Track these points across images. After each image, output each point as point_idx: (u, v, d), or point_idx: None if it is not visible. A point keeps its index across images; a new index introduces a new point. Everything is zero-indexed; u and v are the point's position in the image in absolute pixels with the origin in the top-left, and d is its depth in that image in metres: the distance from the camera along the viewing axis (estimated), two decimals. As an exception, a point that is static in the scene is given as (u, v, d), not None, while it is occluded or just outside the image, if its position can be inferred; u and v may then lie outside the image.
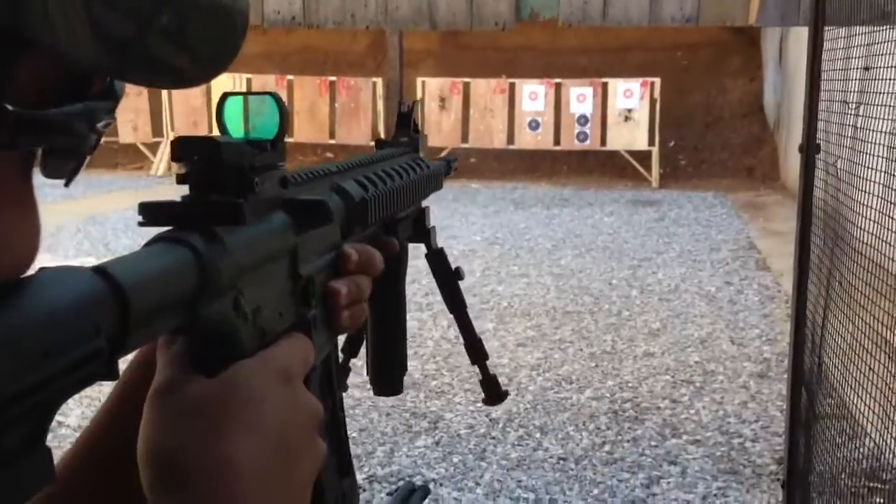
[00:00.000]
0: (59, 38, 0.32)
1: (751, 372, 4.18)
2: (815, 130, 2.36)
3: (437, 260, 0.93)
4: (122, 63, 0.35)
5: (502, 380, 3.69)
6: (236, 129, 0.54)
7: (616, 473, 3.17)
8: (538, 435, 3.51)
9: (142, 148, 11.44)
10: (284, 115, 0.53)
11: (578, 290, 5.67)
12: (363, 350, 0.86)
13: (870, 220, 2.06)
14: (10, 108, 0.32)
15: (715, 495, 3.02)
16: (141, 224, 0.46)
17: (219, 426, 0.44)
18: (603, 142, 10.59)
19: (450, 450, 3.38)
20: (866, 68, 2.09)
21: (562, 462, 3.27)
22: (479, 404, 3.84)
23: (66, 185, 0.39)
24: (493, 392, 0.96)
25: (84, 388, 0.37)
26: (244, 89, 10.93)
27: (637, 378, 4.12)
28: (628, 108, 10.45)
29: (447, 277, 0.94)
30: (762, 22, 9.21)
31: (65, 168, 0.38)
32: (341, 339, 0.88)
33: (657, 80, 10.41)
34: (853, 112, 2.17)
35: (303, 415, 0.48)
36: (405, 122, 0.87)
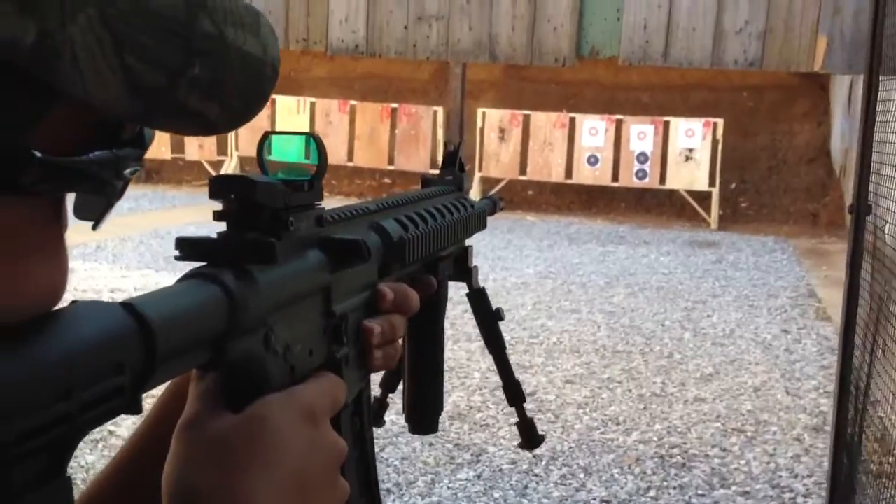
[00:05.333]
0: (89, 88, 0.32)
1: (805, 424, 4.05)
2: (867, 190, 2.27)
3: (478, 300, 0.92)
4: (152, 112, 0.35)
5: (548, 416, 3.63)
6: (276, 167, 0.55)
7: (660, 521, 3.10)
8: (582, 475, 3.45)
9: (206, 165, 11.71)
10: (323, 156, 0.53)
11: (630, 330, 5.59)
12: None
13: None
14: (37, 154, 0.33)
15: (762, 551, 2.92)
16: (177, 258, 0.47)
17: (239, 462, 0.44)
18: (662, 180, 10.49)
19: (491, 484, 3.35)
20: None
21: (605, 505, 3.21)
22: (524, 440, 3.80)
23: (94, 227, 0.40)
24: (530, 436, 0.94)
25: (106, 421, 0.37)
26: (308, 112, 11.15)
27: (686, 423, 4.03)
28: (689, 147, 10.33)
29: (487, 317, 0.93)
30: (828, 68, 9.06)
31: (93, 211, 0.39)
32: (379, 374, 0.87)
33: (720, 121, 10.29)
34: None
35: (326, 455, 0.48)
36: (451, 161, 0.86)
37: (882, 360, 2.22)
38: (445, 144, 0.92)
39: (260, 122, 11.26)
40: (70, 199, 0.39)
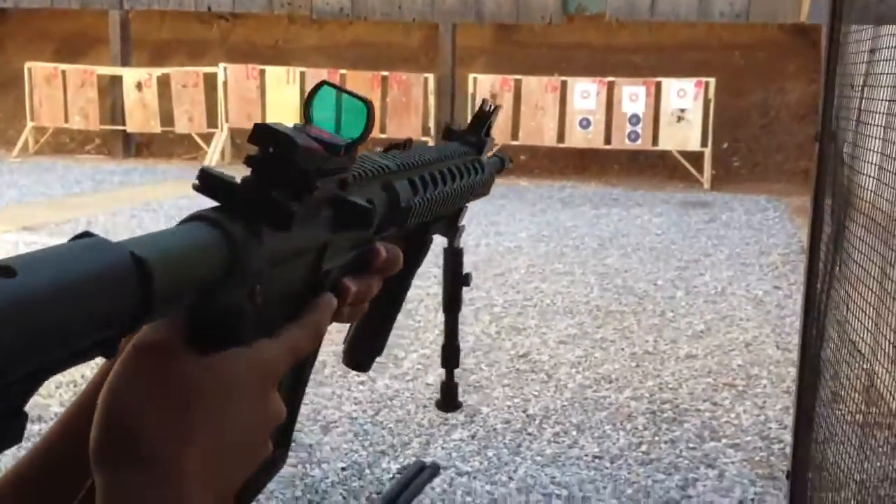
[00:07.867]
0: None
1: (795, 377, 4.10)
2: (830, 118, 2.38)
3: (453, 259, 0.93)
4: None
5: (541, 376, 3.67)
6: (321, 119, 0.53)
7: (651, 474, 3.15)
8: (574, 432, 3.50)
9: (196, 138, 11.65)
10: (370, 124, 0.53)
11: (623, 290, 5.63)
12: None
13: (866, 201, 2.10)
14: None
15: (752, 500, 2.98)
16: (195, 188, 0.45)
17: (188, 404, 0.44)
18: (654, 142, 10.47)
19: (485, 444, 3.39)
20: (872, 51, 2.09)
21: (597, 461, 3.26)
22: (517, 399, 3.84)
23: None
24: (449, 400, 0.96)
25: (80, 363, 0.37)
26: (298, 82, 11.07)
27: (678, 380, 4.07)
28: (681, 108, 10.31)
29: (456, 278, 0.94)
30: (813, 18, 9.01)
31: None
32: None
33: (712, 80, 10.25)
34: (858, 95, 2.18)
35: (266, 417, 0.49)
36: (480, 123, 0.85)
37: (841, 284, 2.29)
38: (483, 101, 0.89)
39: (250, 93, 11.21)
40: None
